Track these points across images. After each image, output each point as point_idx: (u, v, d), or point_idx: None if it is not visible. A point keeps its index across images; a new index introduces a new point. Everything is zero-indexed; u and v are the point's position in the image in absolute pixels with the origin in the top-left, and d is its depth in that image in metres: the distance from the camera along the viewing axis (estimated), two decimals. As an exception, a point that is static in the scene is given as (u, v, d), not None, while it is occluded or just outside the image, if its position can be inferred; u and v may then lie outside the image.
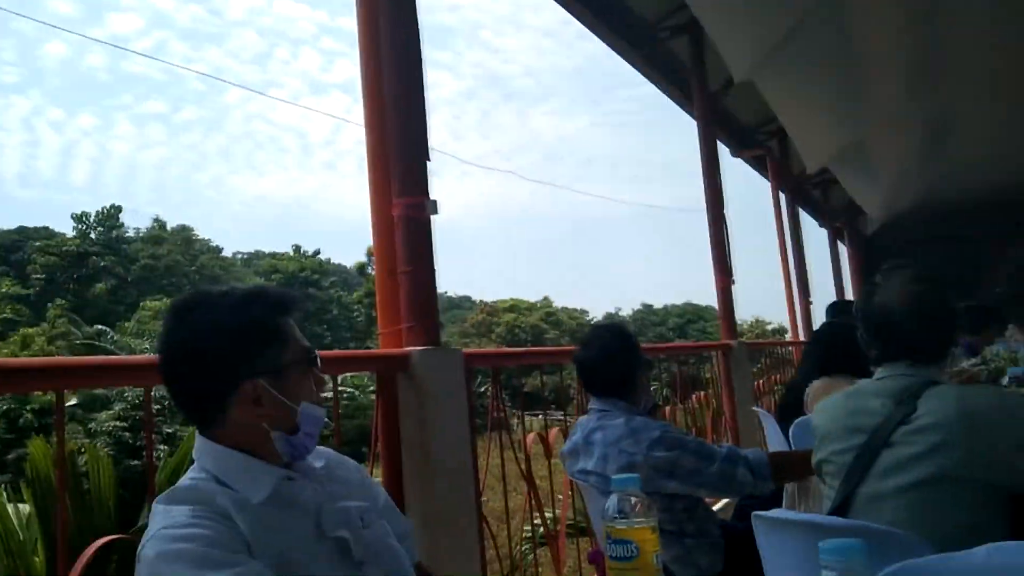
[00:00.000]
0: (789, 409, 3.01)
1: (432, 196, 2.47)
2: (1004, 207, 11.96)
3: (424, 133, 2.46)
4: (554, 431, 3.37)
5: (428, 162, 2.45)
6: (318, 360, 1.30)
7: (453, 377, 2.43)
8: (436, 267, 2.47)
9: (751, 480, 2.11)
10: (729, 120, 8.17)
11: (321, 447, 1.38)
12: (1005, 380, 2.22)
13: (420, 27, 2.51)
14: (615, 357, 2.31)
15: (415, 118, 2.46)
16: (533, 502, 3.13)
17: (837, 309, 4.92)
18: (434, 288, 2.45)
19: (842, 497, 1.58)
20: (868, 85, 6.04)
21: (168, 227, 58.99)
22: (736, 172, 9.21)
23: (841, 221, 12.58)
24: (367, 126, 2.59)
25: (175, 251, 55.48)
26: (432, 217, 2.44)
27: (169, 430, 17.11)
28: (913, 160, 8.42)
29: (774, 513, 1.53)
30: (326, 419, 1.32)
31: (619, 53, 6.04)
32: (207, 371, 1.22)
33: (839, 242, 12.87)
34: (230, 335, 1.22)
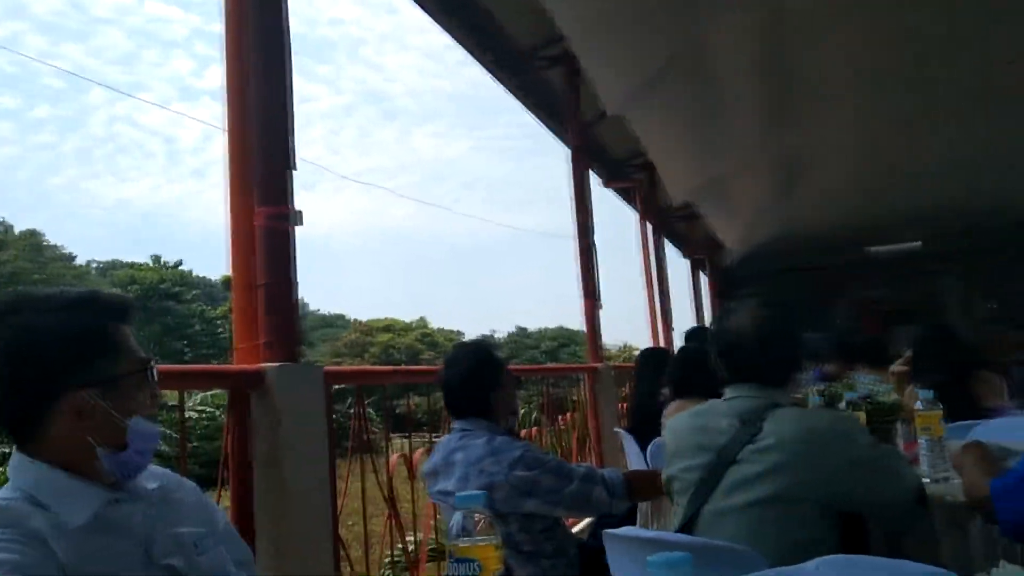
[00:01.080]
0: (643, 428, 3.13)
1: (297, 207, 2.39)
2: (850, 241, 12.99)
3: (289, 140, 2.39)
4: (419, 452, 3.32)
5: (293, 171, 2.37)
6: (154, 372, 1.22)
7: (312, 395, 2.35)
8: (297, 280, 2.39)
9: (608, 499, 2.16)
10: (601, 151, 8.44)
11: (158, 468, 1.29)
12: (842, 404, 2.38)
13: (289, 32, 2.45)
14: (475, 376, 2.30)
15: (279, 124, 2.38)
16: (395, 526, 3.07)
17: (693, 335, 5.18)
18: (294, 302, 2.37)
19: (689, 514, 1.64)
20: (728, 125, 6.42)
21: (15, 231, 54.48)
22: (608, 201, 9.55)
23: (703, 252, 13.23)
24: (229, 131, 2.49)
25: (21, 257, 51.26)
26: (295, 228, 2.37)
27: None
28: (768, 196, 9.00)
29: (622, 531, 1.56)
30: (160, 437, 1.24)
31: (497, 80, 6.13)
32: (25, 380, 1.12)
33: (700, 272, 13.53)
34: (55, 341, 1.13)
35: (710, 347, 1.83)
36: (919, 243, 13.25)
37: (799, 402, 2.72)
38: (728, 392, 1.78)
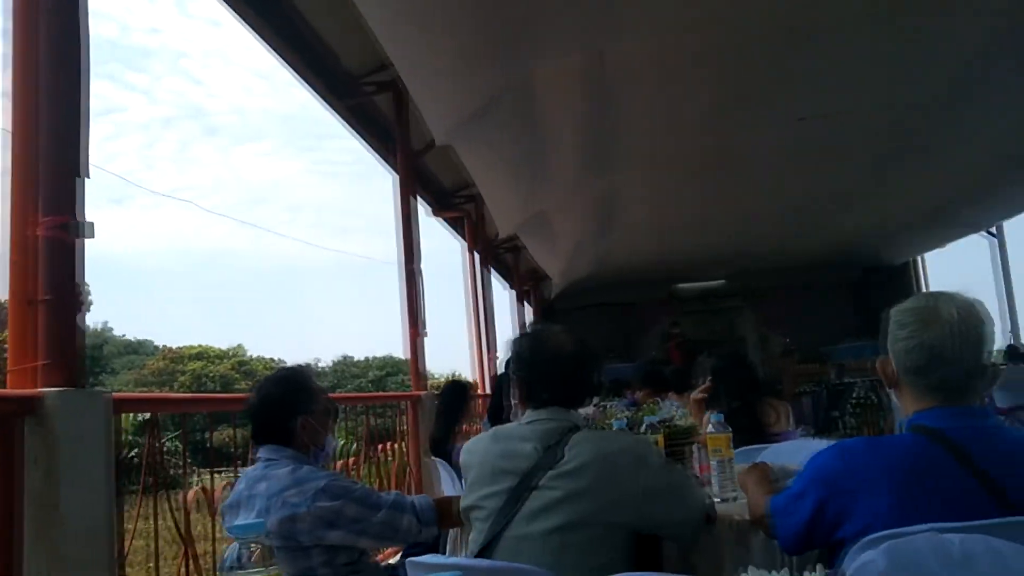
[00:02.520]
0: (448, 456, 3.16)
1: (90, 218, 2.20)
2: (661, 278, 13.88)
3: (80, 145, 2.19)
4: (221, 486, 3.12)
5: (84, 179, 2.18)
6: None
7: (95, 424, 2.14)
8: (87, 298, 2.19)
9: (417, 527, 2.12)
10: (430, 180, 8.48)
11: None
12: (643, 427, 2.50)
13: (88, 31, 2.27)
14: (281, 402, 2.21)
15: (70, 127, 2.19)
16: (193, 568, 2.85)
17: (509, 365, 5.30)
18: (79, 321, 2.16)
19: (488, 538, 1.65)
20: (550, 161, 6.67)
21: None
22: (440, 230, 9.59)
23: (528, 284, 13.59)
24: (13, 133, 2.25)
25: None
26: (85, 241, 2.17)
27: None
28: (587, 233, 9.41)
29: (423, 558, 1.54)
30: None
31: (325, 102, 6.01)
32: None
33: (525, 303, 13.88)
34: None
35: (511, 371, 1.88)
36: (722, 281, 14.39)
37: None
38: (527, 416, 1.82)
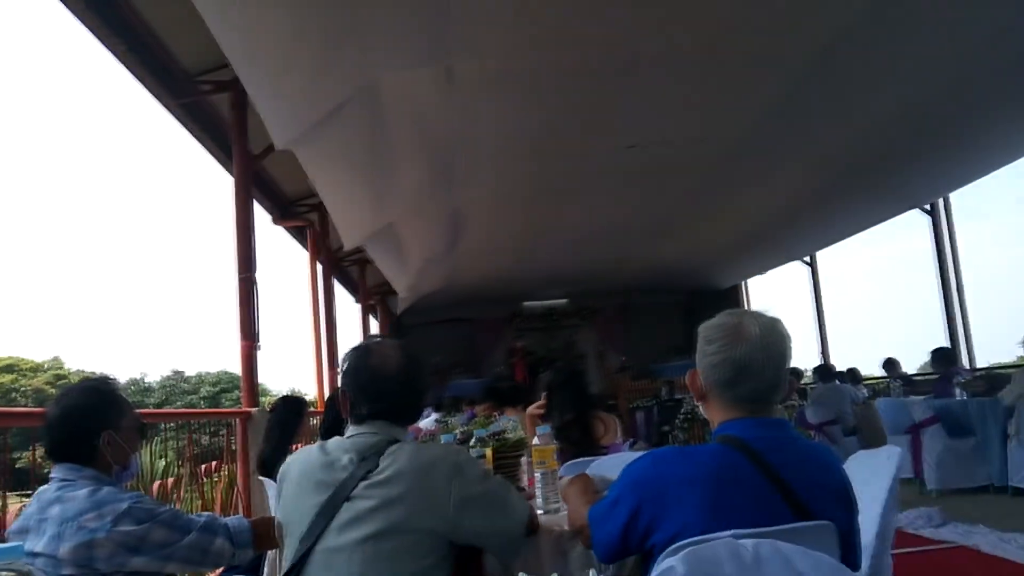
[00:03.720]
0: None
1: None
2: (507, 296, 14.09)
3: None
4: (14, 509, 2.81)
5: None
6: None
7: None
8: None
9: (230, 549, 2.00)
10: (270, 186, 8.18)
11: None
12: (472, 441, 2.50)
13: None
14: (80, 415, 2.01)
15: None
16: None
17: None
18: None
19: (300, 552, 1.58)
20: (400, 173, 6.61)
21: None
22: (282, 240, 9.24)
23: (374, 298, 13.38)
24: None
25: None
26: None
27: None
28: (436, 248, 9.40)
29: (229, 580, 1.44)
30: None
31: (157, 98, 5.66)
32: None
33: (372, 318, 13.65)
34: None
35: (342, 385, 1.82)
36: (564, 300, 14.84)
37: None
38: (351, 430, 1.77)
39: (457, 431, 2.96)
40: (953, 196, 9.31)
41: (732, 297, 14.67)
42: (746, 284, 15.35)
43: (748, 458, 1.46)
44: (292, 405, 4.13)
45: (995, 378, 6.90)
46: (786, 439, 1.54)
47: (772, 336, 1.52)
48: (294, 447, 3.47)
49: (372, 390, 1.77)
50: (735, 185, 7.97)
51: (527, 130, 6.03)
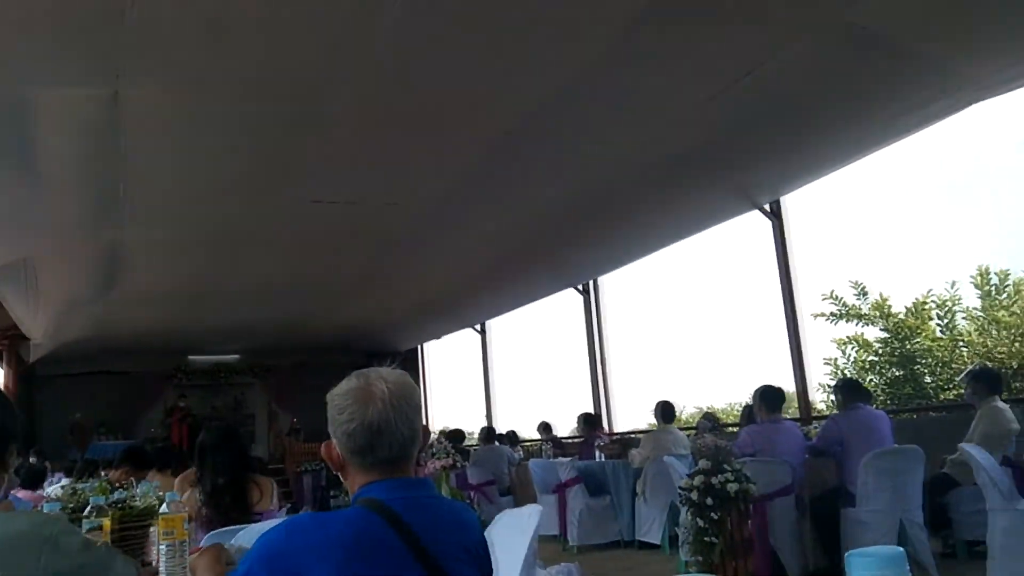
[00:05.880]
0: None
1: None
2: (172, 349, 12.91)
3: None
4: None
5: None
6: None
7: None
8: None
9: None
10: None
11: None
12: (87, 510, 2.18)
13: None
14: None
15: None
16: None
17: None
18: None
19: None
20: (45, 202, 5.78)
21: None
22: None
23: (3, 343, 11.46)
24: None
25: None
26: None
27: None
28: (84, 290, 8.33)
29: None
30: None
31: None
32: None
33: (-4, 365, 11.66)
34: None
35: None
36: (236, 356, 14.02)
37: None
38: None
39: (57, 500, 2.58)
40: (603, 278, 10.55)
41: (410, 359, 15.00)
42: (423, 347, 15.83)
43: (387, 520, 1.45)
44: None
45: (628, 442, 7.81)
46: (425, 499, 1.55)
47: (402, 391, 1.52)
48: None
49: None
50: (417, 252, 8.23)
51: (200, 173, 5.64)
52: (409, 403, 1.51)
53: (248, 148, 5.25)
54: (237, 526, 3.06)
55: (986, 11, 4.10)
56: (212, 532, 3.03)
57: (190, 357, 13.83)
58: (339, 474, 1.56)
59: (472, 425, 13.97)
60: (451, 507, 1.64)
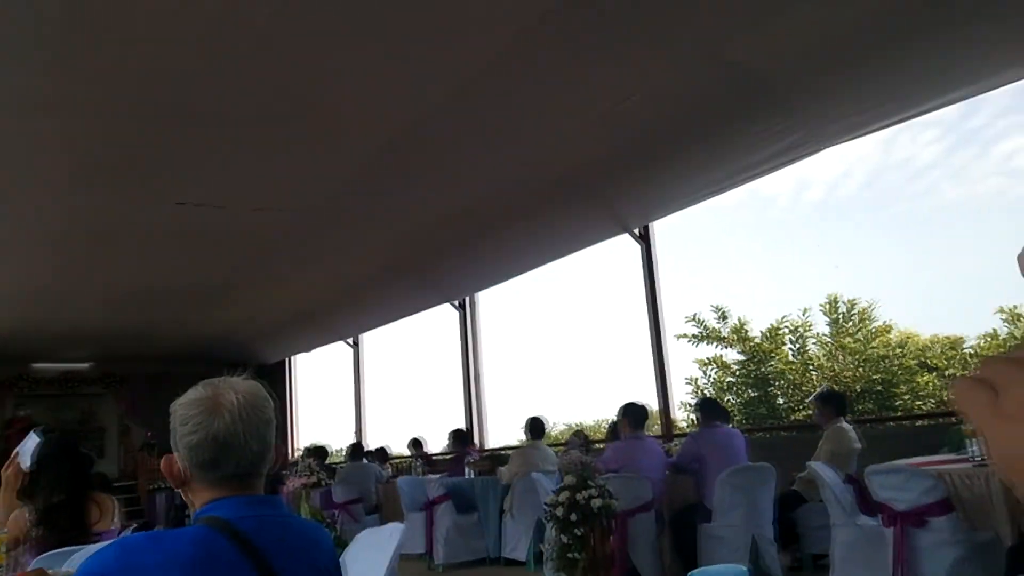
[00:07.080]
0: None
1: None
2: (8, 357, 11.87)
3: None
4: None
5: None
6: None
7: None
8: None
9: None
10: None
11: None
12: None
13: None
14: None
15: None
16: None
17: None
18: None
19: None
20: None
21: None
22: None
23: None
24: None
25: None
26: None
27: None
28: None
29: None
30: None
31: None
32: None
33: None
34: None
35: None
36: (87, 364, 13.08)
37: None
38: None
39: None
40: (480, 295, 10.58)
41: (278, 372, 14.47)
42: (292, 360, 15.32)
43: (232, 541, 1.36)
44: None
45: (498, 458, 7.83)
46: (275, 517, 1.48)
47: (254, 403, 1.45)
48: None
49: None
50: (287, 262, 7.97)
51: (45, 167, 5.21)
52: (261, 416, 1.44)
53: (109, 140, 4.90)
54: (72, 547, 2.84)
55: (840, 62, 4.41)
56: (43, 555, 2.81)
57: (34, 365, 12.80)
58: (180, 491, 1.47)
59: (342, 441, 13.61)
60: (302, 526, 1.57)
